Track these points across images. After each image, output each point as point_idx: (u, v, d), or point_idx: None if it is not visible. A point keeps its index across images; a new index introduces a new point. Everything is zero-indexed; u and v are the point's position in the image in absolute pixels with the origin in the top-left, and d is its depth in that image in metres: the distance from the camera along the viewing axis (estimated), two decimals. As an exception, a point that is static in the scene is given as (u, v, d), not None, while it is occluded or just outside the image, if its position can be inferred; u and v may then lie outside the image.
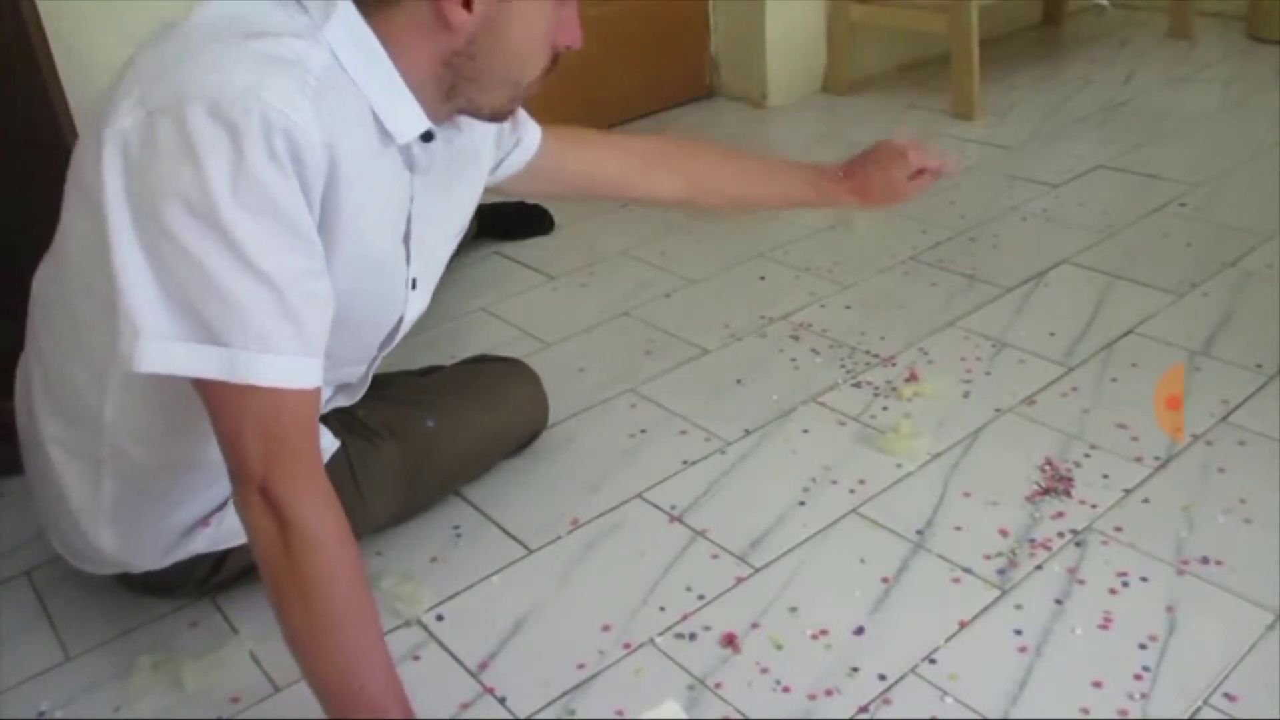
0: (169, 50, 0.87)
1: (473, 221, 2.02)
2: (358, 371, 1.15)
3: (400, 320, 1.08)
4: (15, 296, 1.34)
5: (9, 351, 1.31)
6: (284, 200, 0.83)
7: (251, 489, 0.85)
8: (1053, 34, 3.28)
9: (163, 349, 0.83)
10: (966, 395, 1.50)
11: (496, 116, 1.01)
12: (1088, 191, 2.15)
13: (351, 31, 0.89)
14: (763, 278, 1.88)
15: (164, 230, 0.82)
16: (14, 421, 1.18)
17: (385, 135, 0.94)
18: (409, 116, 0.94)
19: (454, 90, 0.95)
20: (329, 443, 1.15)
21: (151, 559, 1.10)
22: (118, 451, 1.01)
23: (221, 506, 1.11)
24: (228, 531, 1.11)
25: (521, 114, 1.22)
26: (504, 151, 1.22)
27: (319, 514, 0.86)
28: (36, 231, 1.34)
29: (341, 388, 1.17)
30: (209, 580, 1.16)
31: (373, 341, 1.09)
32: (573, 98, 2.57)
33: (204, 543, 1.11)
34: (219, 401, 0.85)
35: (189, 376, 0.84)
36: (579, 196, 1.39)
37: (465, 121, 1.04)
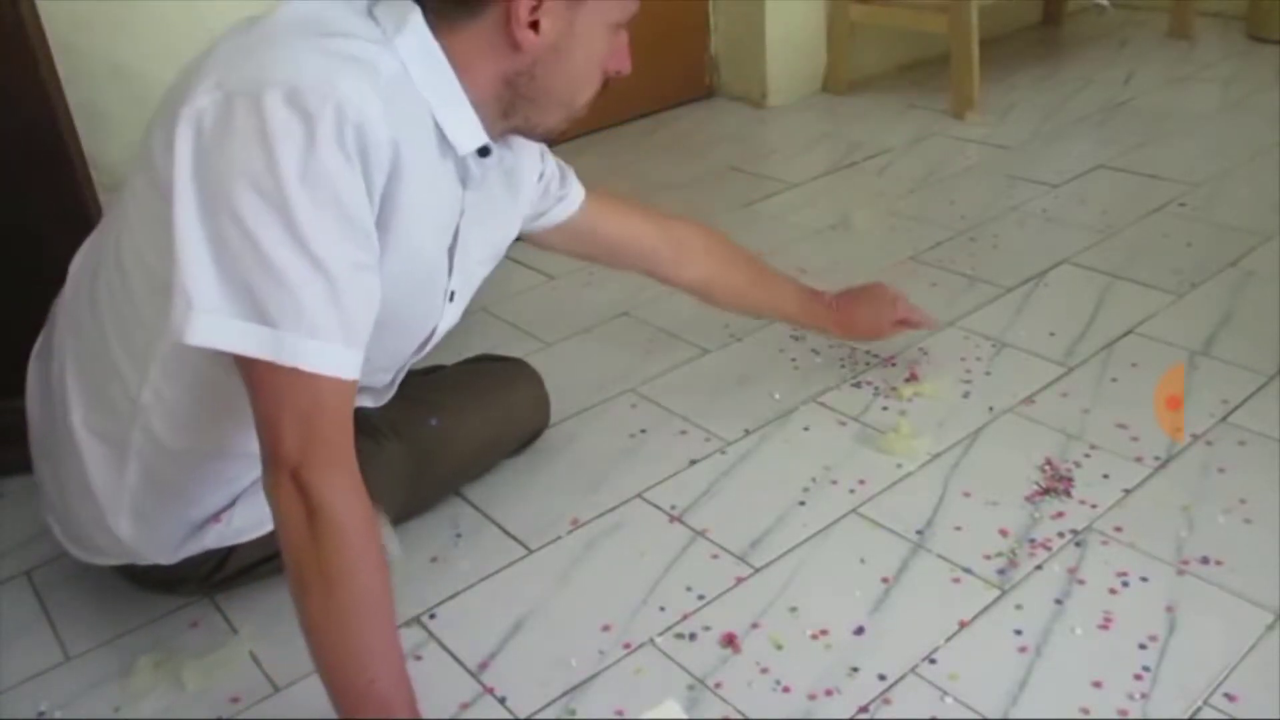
0: (250, 40, 0.89)
1: None
2: (386, 377, 1.16)
3: (434, 330, 1.10)
4: (14, 296, 1.34)
5: (9, 350, 1.31)
6: (347, 191, 0.85)
7: (284, 473, 0.85)
8: (1053, 34, 3.28)
9: (214, 323, 0.84)
10: (966, 395, 1.50)
11: (549, 137, 1.06)
12: (1088, 191, 2.15)
13: (421, 44, 0.93)
14: (763, 278, 1.88)
15: (229, 208, 0.83)
16: (15, 423, 1.18)
17: (445, 145, 0.97)
18: (469, 129, 0.97)
19: (512, 109, 0.99)
20: None
21: (164, 551, 1.11)
22: (149, 436, 1.02)
23: (233, 503, 1.11)
24: (238, 528, 1.12)
25: (571, 172, 1.29)
26: (549, 203, 1.27)
27: (348, 503, 0.86)
28: (35, 229, 1.34)
29: (366, 390, 1.17)
30: (212, 577, 1.16)
31: (406, 349, 1.11)
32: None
33: (214, 538, 1.12)
34: (261, 382, 0.86)
35: (236, 353, 0.85)
36: (600, 262, 1.43)
37: (517, 142, 1.08)
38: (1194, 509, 1.25)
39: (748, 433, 1.45)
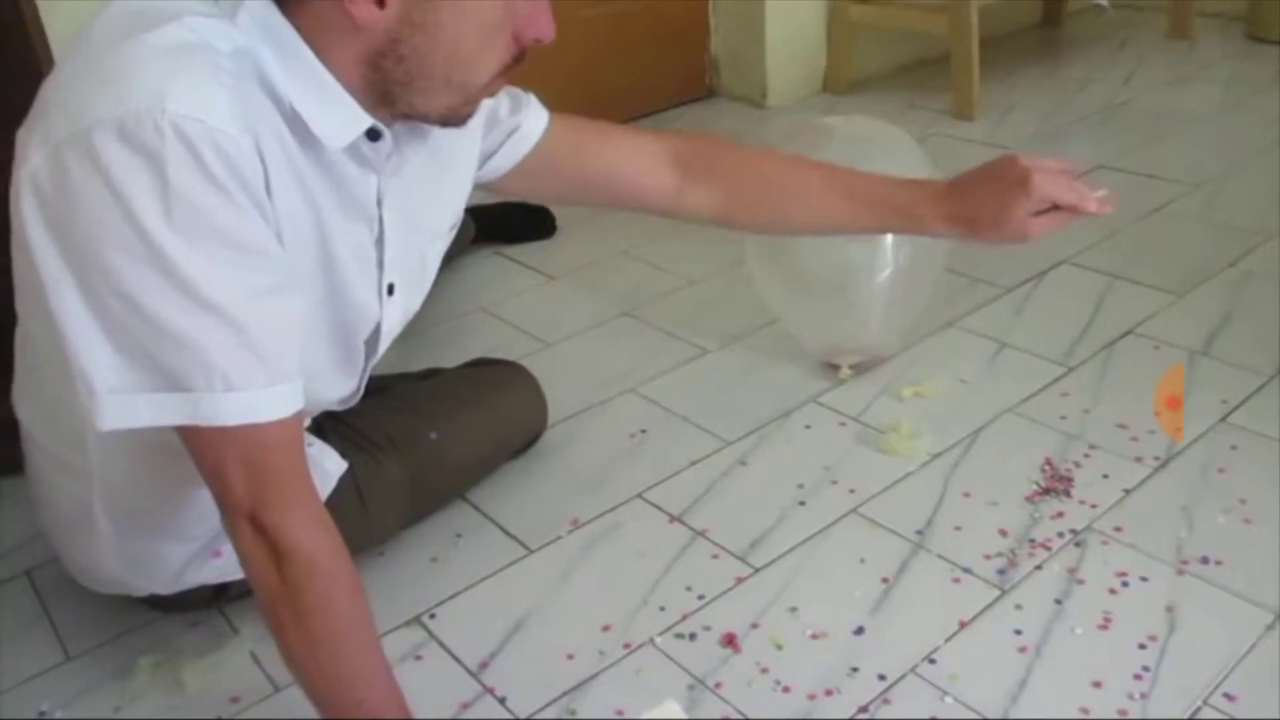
0: (71, 67, 0.80)
1: (472, 223, 2.02)
2: (349, 384, 1.06)
3: (378, 328, 1.01)
4: (13, 296, 1.34)
5: (9, 350, 1.31)
6: (225, 218, 0.76)
7: (241, 518, 0.82)
8: (1053, 34, 3.28)
9: (122, 402, 0.78)
10: (966, 395, 1.50)
11: (447, 122, 0.91)
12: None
13: (267, 21, 0.80)
14: (763, 278, 1.88)
15: (101, 277, 0.76)
16: (13, 421, 1.17)
17: (309, 135, 0.84)
18: (341, 117, 0.84)
19: (389, 95, 0.86)
20: (336, 465, 1.13)
21: (161, 584, 1.09)
22: (110, 493, 0.99)
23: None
24: (237, 563, 1.09)
25: (527, 97, 1.12)
26: (497, 141, 1.10)
27: (312, 538, 0.83)
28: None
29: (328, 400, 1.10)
30: (213, 603, 1.16)
31: (348, 353, 1.01)
32: (572, 98, 2.58)
33: (213, 573, 1.10)
34: (195, 442, 0.81)
35: (155, 427, 0.80)
36: (585, 202, 1.24)
37: None
38: (1194, 509, 1.25)
39: (748, 433, 1.45)
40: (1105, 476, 1.31)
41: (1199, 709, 1.00)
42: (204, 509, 1.03)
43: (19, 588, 1.25)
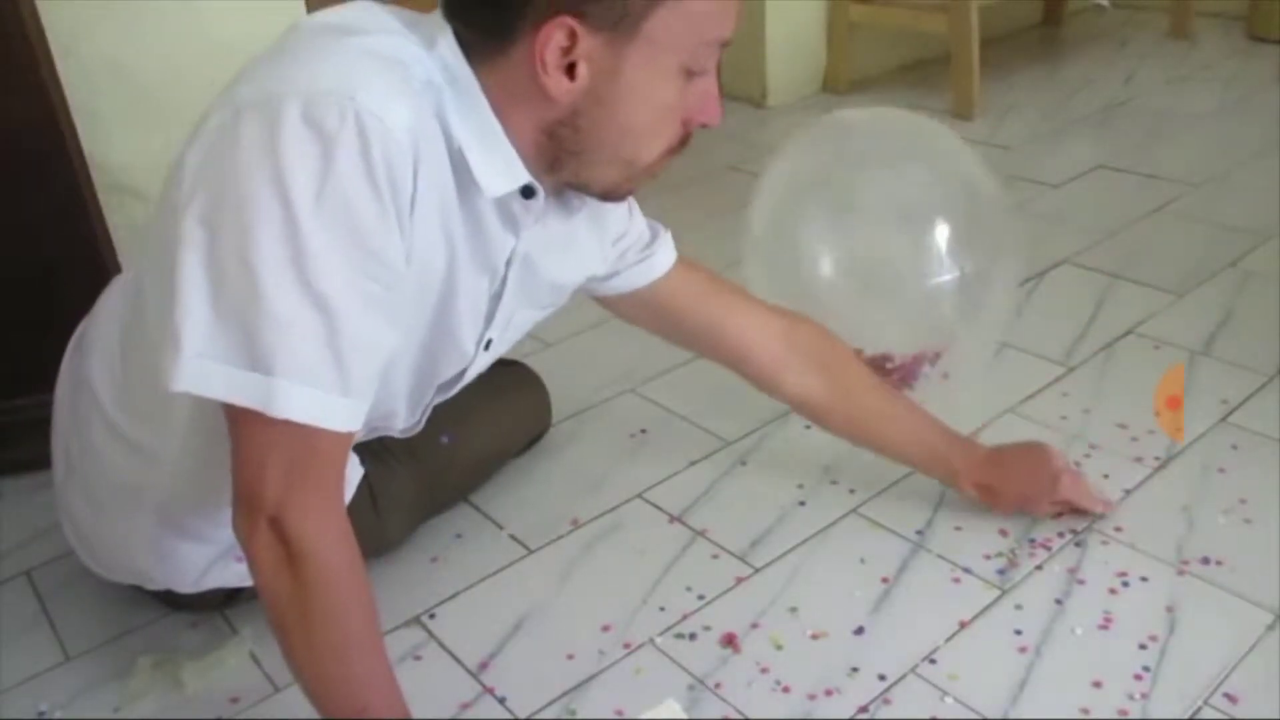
0: (271, 53, 0.83)
1: None
2: (413, 417, 1.07)
3: (461, 374, 1.03)
4: (13, 297, 1.34)
5: (8, 351, 1.31)
6: (368, 219, 0.77)
7: (260, 517, 0.81)
8: (1053, 34, 3.28)
9: (202, 369, 0.78)
10: (966, 395, 1.50)
11: (609, 196, 0.93)
12: (1088, 191, 2.15)
13: (452, 66, 0.83)
14: (763, 278, 1.88)
15: (232, 238, 0.76)
16: (15, 422, 1.17)
17: (469, 181, 0.85)
18: (503, 169, 0.86)
19: (558, 162, 0.88)
20: (355, 470, 1.12)
21: (184, 582, 1.09)
22: (168, 480, 0.99)
23: None
24: None
25: (664, 232, 1.16)
26: (627, 264, 1.14)
27: (333, 548, 0.82)
28: (34, 229, 1.34)
29: (387, 428, 1.09)
30: (223, 606, 1.16)
31: (423, 388, 1.02)
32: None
33: (233, 577, 1.10)
34: (247, 428, 0.80)
35: (223, 401, 0.79)
36: (682, 346, 1.26)
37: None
38: (1194, 509, 1.25)
39: (748, 433, 1.45)
40: (1105, 476, 1.31)
41: (1199, 709, 1.00)
42: None
43: (19, 588, 1.25)
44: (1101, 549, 1.20)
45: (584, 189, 0.92)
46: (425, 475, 1.22)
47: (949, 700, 1.02)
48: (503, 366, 1.41)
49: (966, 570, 1.18)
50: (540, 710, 1.05)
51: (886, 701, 1.03)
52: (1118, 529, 1.23)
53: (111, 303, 1.03)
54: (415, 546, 1.27)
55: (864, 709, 1.02)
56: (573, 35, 0.80)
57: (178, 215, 0.79)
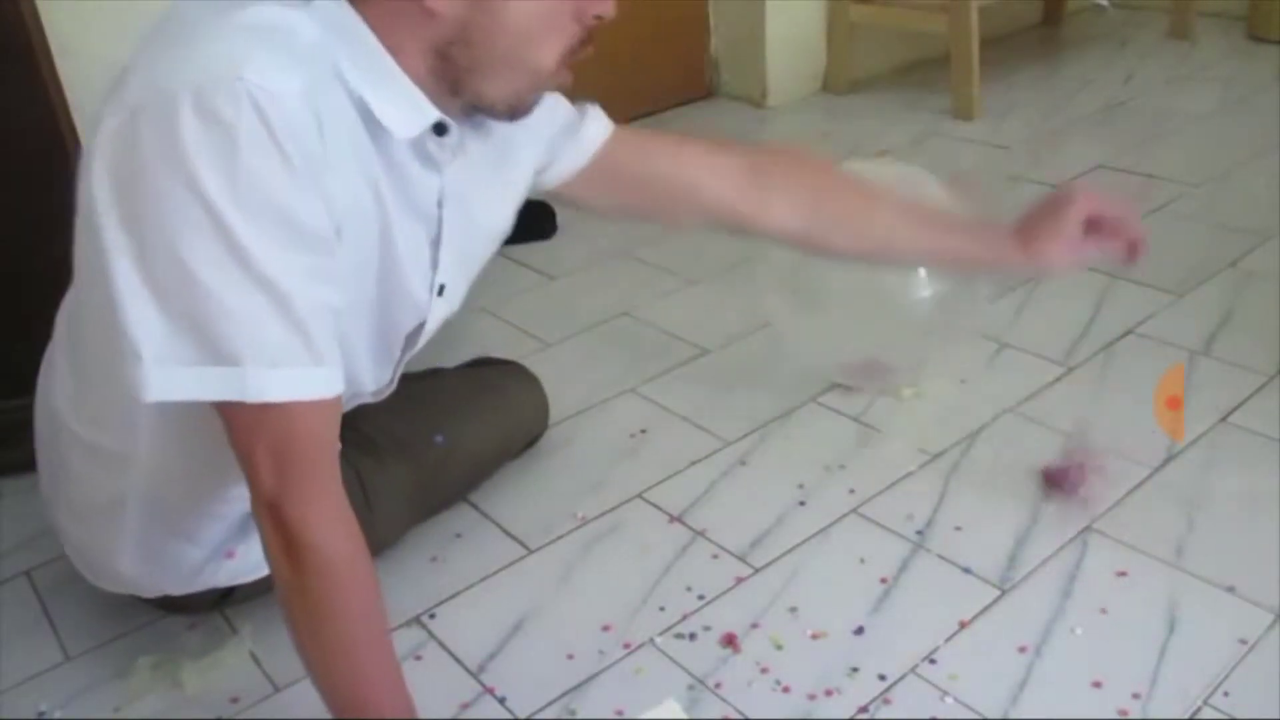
0: (152, 41, 0.81)
1: None
2: (383, 376, 1.06)
3: (421, 325, 1.02)
4: (12, 297, 1.34)
5: (7, 352, 1.31)
6: (287, 195, 0.77)
7: (261, 505, 0.82)
8: (1053, 34, 3.28)
9: (169, 374, 0.78)
10: (966, 395, 1.50)
11: (515, 112, 0.91)
12: (1088, 191, 2.15)
13: (335, 16, 0.82)
14: (763, 278, 1.88)
15: (160, 243, 0.76)
16: (15, 422, 1.17)
17: (379, 130, 0.85)
18: (409, 109, 0.86)
19: (458, 84, 0.87)
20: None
21: (174, 585, 1.09)
22: (145, 482, 0.98)
23: (245, 537, 1.08)
24: (255, 563, 1.09)
25: (591, 107, 1.12)
26: (558, 147, 1.10)
27: (330, 536, 0.82)
28: (33, 230, 1.34)
29: (360, 394, 1.09)
30: (217, 606, 1.16)
31: (388, 345, 1.02)
32: (571, 98, 2.57)
33: (226, 575, 1.09)
34: (232, 419, 0.82)
35: (199, 400, 0.80)
36: (656, 217, 1.21)
37: None
38: (1194, 509, 1.25)
39: (748, 433, 1.45)
40: (1105, 476, 1.31)
41: (1199, 709, 1.00)
42: (227, 509, 1.04)
43: (19, 588, 1.25)
44: (1101, 549, 1.20)
45: (490, 110, 0.90)
46: (419, 473, 1.21)
47: (949, 700, 1.02)
48: (498, 366, 1.42)
49: (966, 570, 1.18)
50: (540, 710, 1.05)
51: (886, 701, 1.03)
52: (1118, 529, 1.23)
53: (60, 322, 1.03)
54: (415, 546, 1.27)
55: (864, 709, 1.02)
56: None
57: (99, 228, 0.79)
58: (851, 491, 1.32)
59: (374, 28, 0.83)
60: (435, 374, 1.37)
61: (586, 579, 1.22)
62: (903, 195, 1.17)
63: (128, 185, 0.77)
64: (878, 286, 1.39)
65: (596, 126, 1.12)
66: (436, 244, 0.96)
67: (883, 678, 1.05)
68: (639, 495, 1.34)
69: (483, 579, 1.22)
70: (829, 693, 1.04)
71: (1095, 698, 1.02)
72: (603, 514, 1.31)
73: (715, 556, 1.23)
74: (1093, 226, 1.11)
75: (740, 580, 1.19)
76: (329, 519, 0.83)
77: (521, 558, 1.25)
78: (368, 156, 0.86)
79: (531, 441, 1.42)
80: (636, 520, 1.30)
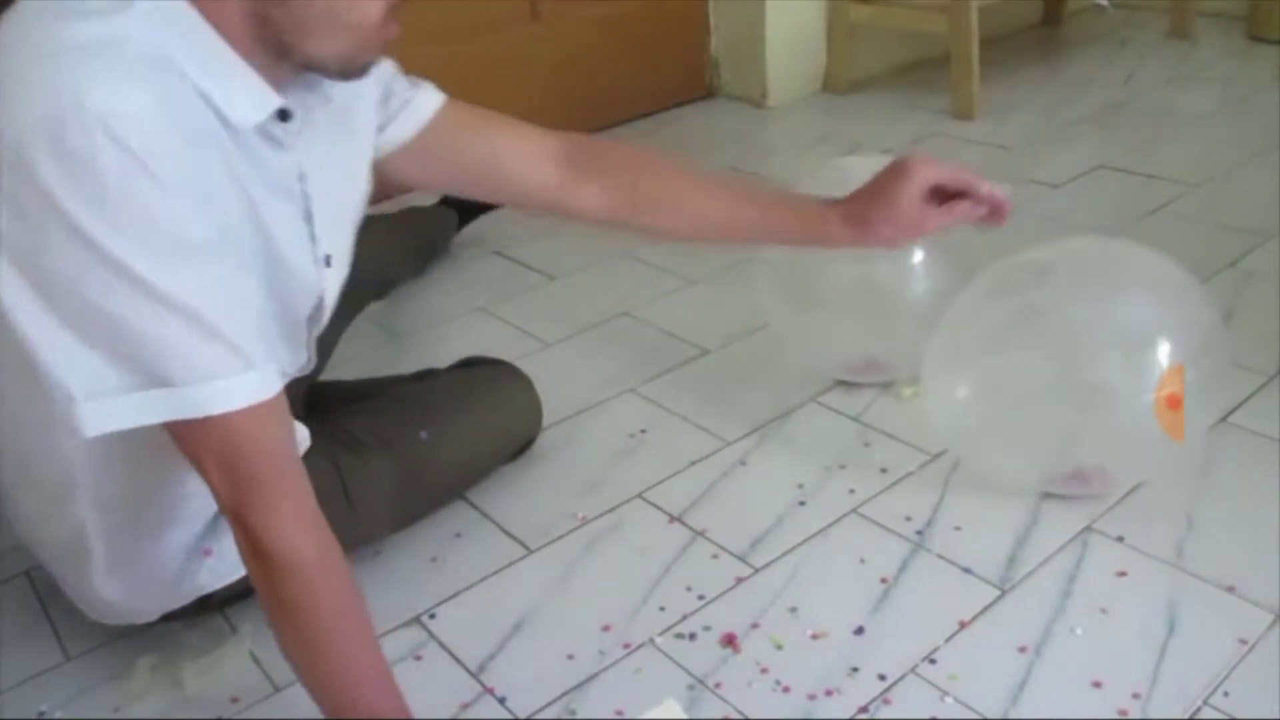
0: None
1: (453, 215, 2.01)
2: (298, 357, 1.05)
3: (320, 300, 1.01)
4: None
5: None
6: (165, 213, 0.76)
7: (227, 512, 0.83)
8: (1053, 34, 3.28)
9: (104, 406, 0.79)
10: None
11: (348, 71, 0.89)
12: (1088, 191, 2.15)
13: (161, 8, 0.79)
14: (763, 278, 1.88)
15: (60, 288, 0.77)
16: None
17: (224, 120, 0.83)
18: (249, 95, 0.84)
19: (284, 46, 0.84)
20: (301, 436, 1.12)
21: (160, 602, 1.08)
22: (92, 502, 0.97)
23: (219, 533, 1.08)
24: (230, 563, 1.08)
25: (424, 82, 1.11)
26: (391, 112, 1.08)
27: (293, 537, 0.83)
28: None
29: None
30: (201, 607, 1.14)
31: (293, 327, 1.01)
32: (571, 97, 2.58)
33: (209, 575, 1.09)
34: (177, 435, 0.82)
35: (140, 426, 0.81)
36: (477, 194, 1.20)
37: None
38: (1194, 509, 1.25)
39: (748, 433, 1.45)
40: (1104, 475, 1.31)
41: (1199, 709, 1.00)
42: (187, 507, 1.03)
43: (19, 588, 1.25)
44: (1101, 549, 1.20)
45: (321, 69, 0.88)
46: (403, 469, 1.21)
47: (949, 700, 1.02)
48: (486, 364, 1.40)
49: (966, 570, 1.18)
50: (540, 710, 1.05)
51: (886, 701, 1.03)
52: (1118, 529, 1.23)
53: None
54: (415, 546, 1.27)
55: (864, 709, 1.02)
56: None
57: None
58: (851, 491, 1.32)
59: (196, 5, 0.81)
60: (425, 375, 1.37)
61: (586, 579, 1.22)
62: (737, 179, 1.15)
63: (11, 240, 0.77)
64: (876, 284, 1.39)
65: (428, 98, 1.10)
66: (309, 218, 0.96)
67: (883, 678, 1.05)
68: (639, 495, 1.34)
69: (482, 579, 1.22)
70: (829, 693, 1.04)
71: (1095, 698, 1.02)
72: (603, 514, 1.31)
73: (715, 556, 1.23)
74: (940, 195, 1.06)
75: (740, 580, 1.19)
76: (291, 521, 0.83)
77: (521, 558, 1.25)
78: (225, 149, 0.84)
79: (527, 444, 1.41)
80: (636, 520, 1.30)
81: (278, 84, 0.87)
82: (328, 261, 0.99)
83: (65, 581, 1.10)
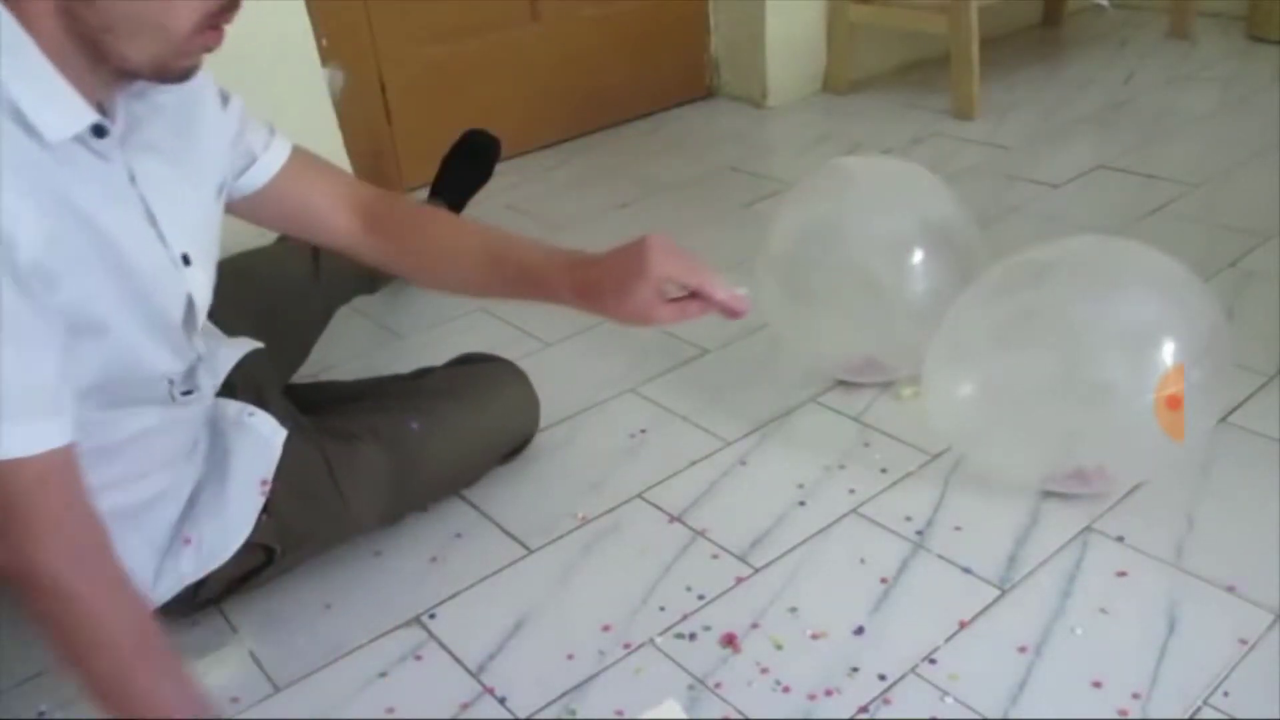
0: None
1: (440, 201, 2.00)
2: (185, 357, 1.03)
3: (190, 301, 1.00)
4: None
5: None
6: None
7: None
8: (1053, 34, 3.28)
9: None
10: (966, 395, 1.50)
11: (164, 75, 0.87)
12: (1088, 191, 2.15)
13: None
14: (763, 278, 1.88)
15: None
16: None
17: (32, 132, 0.81)
18: (63, 109, 0.82)
19: (97, 48, 0.82)
20: (274, 431, 1.13)
21: (143, 588, 1.06)
22: None
23: (197, 517, 1.08)
24: (210, 549, 1.09)
25: (274, 129, 1.12)
26: (242, 160, 1.09)
27: (48, 565, 0.82)
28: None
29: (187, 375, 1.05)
30: (193, 599, 1.14)
31: (166, 330, 0.98)
32: (571, 97, 2.58)
33: (191, 563, 1.09)
34: None
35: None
36: (295, 235, 1.20)
37: None
38: (1194, 509, 1.25)
39: (748, 433, 1.45)
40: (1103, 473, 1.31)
41: (1199, 709, 1.00)
42: (146, 511, 1.04)
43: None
44: (1101, 549, 1.20)
45: (136, 73, 0.86)
46: (394, 458, 1.22)
47: (949, 700, 1.02)
48: (482, 360, 1.41)
49: (966, 570, 1.18)
50: (540, 710, 1.05)
51: (886, 701, 1.03)
52: (1118, 529, 1.23)
53: None
54: (415, 546, 1.27)
55: (864, 709, 1.02)
56: None
57: None
58: (851, 491, 1.32)
59: (10, 8, 0.79)
60: (422, 373, 1.38)
61: (586, 579, 1.22)
62: (499, 231, 1.15)
63: None
64: (876, 284, 1.39)
65: (279, 151, 1.12)
66: (153, 220, 0.94)
67: (883, 678, 1.05)
68: (639, 495, 1.34)
69: (483, 579, 1.22)
70: (829, 693, 1.04)
71: (1095, 698, 1.02)
72: (603, 514, 1.31)
73: (715, 556, 1.23)
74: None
75: (740, 580, 1.20)
76: (47, 554, 0.82)
77: (521, 558, 1.25)
78: (33, 157, 0.82)
79: (525, 441, 1.41)
80: (636, 520, 1.30)
81: (99, 92, 0.85)
82: (185, 260, 0.98)
83: None
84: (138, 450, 1.02)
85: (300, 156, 1.14)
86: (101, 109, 0.88)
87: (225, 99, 1.07)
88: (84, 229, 0.86)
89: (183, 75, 0.88)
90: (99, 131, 0.86)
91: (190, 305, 1.00)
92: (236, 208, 1.12)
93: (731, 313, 1.01)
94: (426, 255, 1.14)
